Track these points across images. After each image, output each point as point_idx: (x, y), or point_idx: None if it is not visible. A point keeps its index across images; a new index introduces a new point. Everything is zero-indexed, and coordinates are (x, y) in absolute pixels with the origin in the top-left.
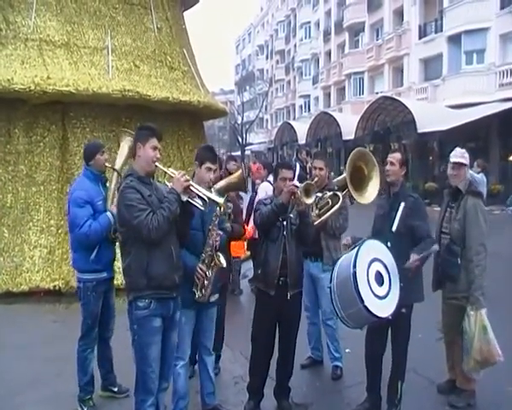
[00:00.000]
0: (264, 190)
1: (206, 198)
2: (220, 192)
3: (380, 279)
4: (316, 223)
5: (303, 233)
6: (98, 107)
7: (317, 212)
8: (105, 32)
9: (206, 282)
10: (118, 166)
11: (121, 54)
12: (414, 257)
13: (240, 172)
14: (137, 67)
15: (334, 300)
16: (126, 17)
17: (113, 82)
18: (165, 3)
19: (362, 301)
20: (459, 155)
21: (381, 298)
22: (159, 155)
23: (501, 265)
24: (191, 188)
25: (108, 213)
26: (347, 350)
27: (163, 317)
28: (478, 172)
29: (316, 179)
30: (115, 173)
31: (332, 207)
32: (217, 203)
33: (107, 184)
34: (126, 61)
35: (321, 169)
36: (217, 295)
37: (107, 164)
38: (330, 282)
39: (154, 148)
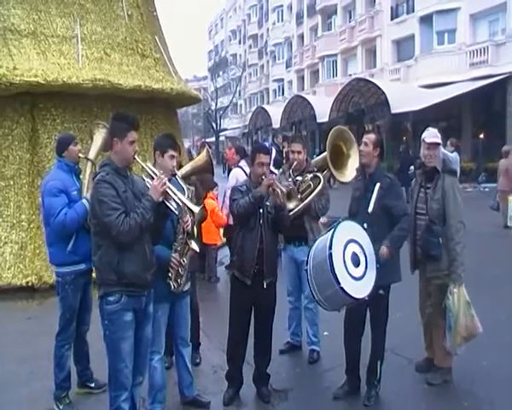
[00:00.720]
0: (235, 176)
1: (181, 205)
2: (186, 177)
3: (356, 260)
4: (299, 207)
5: (278, 224)
6: (68, 97)
7: (299, 196)
8: (74, 20)
9: (181, 270)
10: (92, 155)
11: (91, 42)
12: (384, 249)
13: (204, 152)
14: (108, 56)
15: (311, 282)
16: (95, 4)
17: (84, 71)
18: None
19: (338, 282)
20: (433, 134)
21: (357, 279)
22: (137, 148)
23: (473, 241)
24: (168, 192)
25: (84, 201)
26: (325, 333)
27: (135, 311)
28: (451, 151)
29: (295, 163)
30: (89, 163)
31: (314, 189)
32: (192, 212)
33: (81, 175)
34: (97, 50)
35: (299, 153)
36: (189, 284)
37: (80, 154)
38: (307, 264)
39: (132, 142)
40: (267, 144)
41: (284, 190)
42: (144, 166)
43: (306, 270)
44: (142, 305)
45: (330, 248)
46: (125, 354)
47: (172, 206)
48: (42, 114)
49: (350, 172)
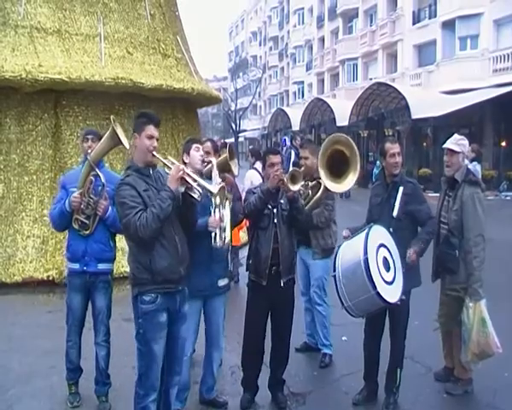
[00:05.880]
0: (250, 178)
1: (199, 188)
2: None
3: (387, 265)
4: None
5: (294, 219)
6: (91, 95)
7: (302, 202)
8: (97, 18)
9: (222, 224)
10: (92, 154)
11: (114, 41)
12: (411, 252)
13: (225, 155)
14: (130, 55)
15: (340, 288)
16: (119, 4)
17: (106, 69)
18: None
19: (374, 287)
20: (453, 141)
21: (389, 283)
22: (155, 144)
23: (495, 251)
24: (186, 178)
25: (66, 202)
26: (344, 338)
27: (169, 311)
28: (472, 158)
29: (302, 169)
30: (87, 161)
31: (313, 197)
32: (210, 192)
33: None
34: (119, 49)
35: (306, 158)
36: (226, 280)
37: (89, 151)
38: (334, 270)
39: (150, 137)
40: (287, 139)
41: (288, 181)
42: (164, 160)
43: (334, 276)
44: (177, 304)
45: (366, 253)
46: (157, 354)
47: (195, 193)
48: (65, 111)
49: (346, 184)
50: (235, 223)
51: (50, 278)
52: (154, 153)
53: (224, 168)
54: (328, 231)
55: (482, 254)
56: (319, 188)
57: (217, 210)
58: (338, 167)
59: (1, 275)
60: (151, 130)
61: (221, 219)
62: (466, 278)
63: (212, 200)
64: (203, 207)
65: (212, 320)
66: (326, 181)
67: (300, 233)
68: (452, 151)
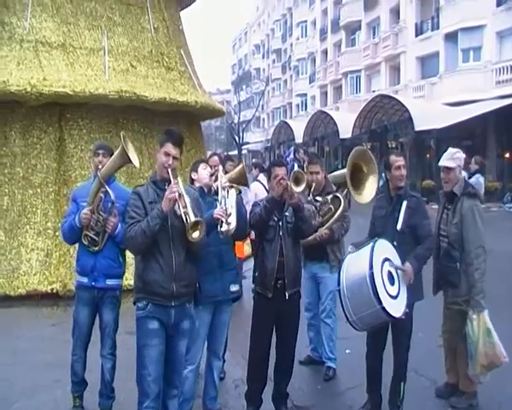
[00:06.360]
0: (254, 190)
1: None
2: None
3: (391, 279)
4: (323, 232)
5: (300, 229)
6: (95, 108)
7: (319, 220)
8: (101, 32)
9: (227, 211)
10: (102, 171)
11: (118, 54)
12: (408, 266)
13: (241, 166)
14: (134, 68)
15: (345, 303)
16: (123, 17)
17: (110, 83)
18: (161, 3)
19: (380, 302)
20: (448, 156)
21: (393, 298)
22: (171, 162)
23: (497, 262)
24: (178, 202)
25: (76, 217)
26: (347, 351)
27: (162, 322)
28: (475, 170)
29: (313, 185)
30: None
31: (335, 212)
32: (190, 221)
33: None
34: (123, 62)
35: (317, 173)
36: (237, 286)
37: (100, 166)
38: (338, 285)
39: (167, 154)
40: (292, 150)
41: (291, 183)
42: (172, 179)
43: (339, 290)
44: (171, 318)
45: (371, 267)
46: (147, 361)
47: (184, 215)
48: (69, 124)
49: (367, 194)
50: (240, 236)
51: (54, 291)
52: (169, 171)
53: (240, 181)
54: (342, 242)
55: (483, 265)
56: (339, 202)
57: (222, 201)
58: (356, 178)
59: (5, 288)
60: (168, 147)
61: (226, 208)
62: (468, 291)
63: (219, 192)
64: (208, 204)
65: (216, 329)
66: (353, 193)
67: (315, 249)
68: (448, 168)
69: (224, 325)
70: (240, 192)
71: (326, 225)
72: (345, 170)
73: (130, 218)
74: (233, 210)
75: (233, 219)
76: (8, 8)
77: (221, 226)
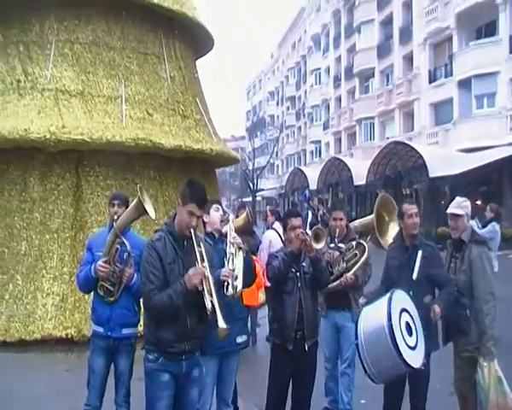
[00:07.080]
0: (269, 237)
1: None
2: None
3: (409, 330)
4: (349, 277)
5: (318, 279)
6: (112, 155)
7: (343, 265)
8: (119, 81)
9: (234, 273)
10: (118, 222)
11: (135, 102)
12: (436, 308)
13: (245, 214)
14: (150, 116)
15: (363, 355)
16: (140, 66)
17: (127, 130)
18: (178, 53)
19: (400, 354)
20: (455, 205)
21: (412, 349)
22: (194, 223)
23: (506, 308)
24: (203, 284)
25: (92, 267)
26: (362, 401)
27: (173, 374)
28: (490, 218)
29: (337, 231)
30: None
31: (360, 258)
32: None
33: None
34: (140, 110)
35: (341, 219)
36: (245, 336)
37: (115, 217)
38: (356, 338)
39: (191, 213)
40: (307, 192)
41: (311, 235)
42: (196, 247)
43: (357, 344)
44: (183, 369)
45: (390, 319)
46: None
47: (208, 299)
48: (86, 171)
49: (390, 239)
50: (249, 282)
51: (69, 336)
52: (191, 230)
53: (245, 231)
54: (363, 291)
55: (493, 311)
56: (364, 248)
57: (230, 260)
58: (379, 225)
59: (21, 332)
60: (194, 208)
61: (233, 270)
62: (478, 338)
63: (227, 250)
64: (218, 259)
65: (225, 377)
66: (380, 237)
67: (337, 297)
68: (456, 215)
69: (231, 373)
70: (247, 253)
71: (351, 271)
72: (366, 219)
73: (148, 281)
74: (240, 273)
75: (239, 283)
76: (32, 59)
77: (227, 290)
